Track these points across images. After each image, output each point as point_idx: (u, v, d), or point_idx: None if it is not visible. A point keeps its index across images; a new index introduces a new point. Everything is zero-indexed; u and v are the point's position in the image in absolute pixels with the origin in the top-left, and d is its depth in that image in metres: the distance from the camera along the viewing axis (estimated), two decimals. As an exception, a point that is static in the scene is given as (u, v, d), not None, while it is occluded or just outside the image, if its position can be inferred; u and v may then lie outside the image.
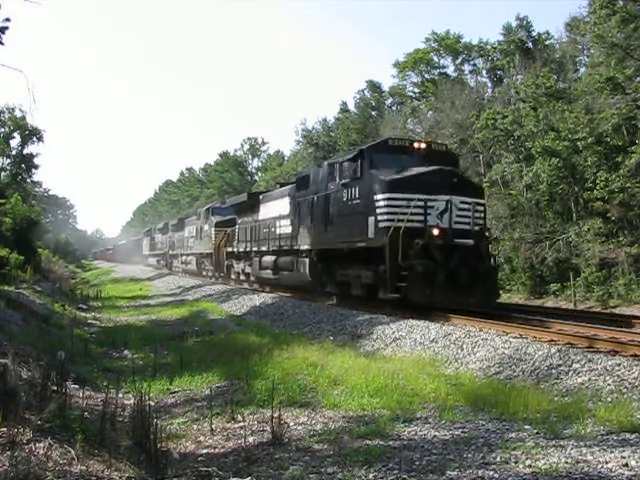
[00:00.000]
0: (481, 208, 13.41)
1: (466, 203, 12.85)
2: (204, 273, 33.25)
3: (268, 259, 20.26)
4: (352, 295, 14.62)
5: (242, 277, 25.52)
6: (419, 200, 12.34)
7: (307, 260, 16.70)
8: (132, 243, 75.20)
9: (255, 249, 22.08)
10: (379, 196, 12.95)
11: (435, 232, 12.21)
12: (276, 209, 20.24)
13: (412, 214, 12.19)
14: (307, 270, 16.61)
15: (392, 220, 12.39)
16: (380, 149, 14.17)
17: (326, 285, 16.18)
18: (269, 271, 20.23)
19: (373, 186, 13.23)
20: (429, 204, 12.48)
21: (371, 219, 13.04)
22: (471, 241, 12.60)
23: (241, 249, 24.30)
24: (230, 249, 26.32)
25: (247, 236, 23.47)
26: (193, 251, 35.33)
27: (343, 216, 14.53)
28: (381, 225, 12.71)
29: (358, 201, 13.83)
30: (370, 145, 14.76)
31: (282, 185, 22.34)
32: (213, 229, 29.74)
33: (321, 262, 16.17)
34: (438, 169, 12.95)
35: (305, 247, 16.96)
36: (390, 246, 12.16)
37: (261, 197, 22.89)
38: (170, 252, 44.52)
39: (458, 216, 12.68)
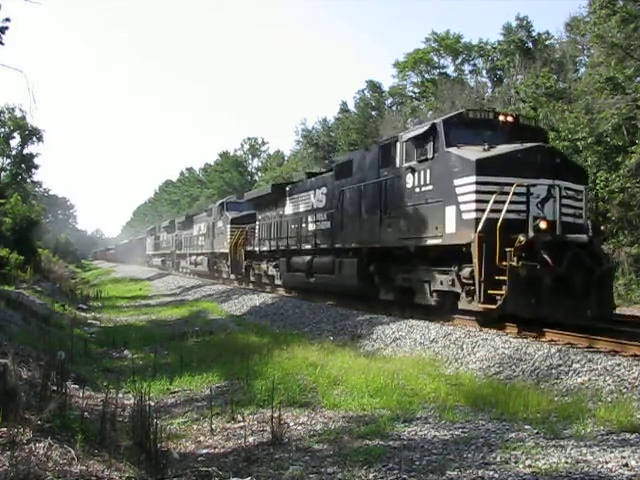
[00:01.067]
0: (584, 197, 11.13)
1: (571, 190, 10.61)
2: (217, 275, 30.58)
3: (299, 260, 17.91)
4: (416, 304, 12.32)
5: (265, 280, 22.65)
6: (519, 185, 10.02)
7: (354, 261, 14.34)
8: (135, 242, 72.30)
9: (283, 248, 19.42)
10: (463, 180, 10.47)
11: (543, 225, 9.78)
12: (308, 202, 17.86)
13: (511, 202, 9.91)
14: (354, 273, 14.24)
15: (482, 210, 9.99)
16: (458, 123, 11.56)
17: (379, 291, 13.71)
18: (301, 274, 17.71)
19: (453, 168, 10.79)
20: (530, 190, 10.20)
21: (450, 209, 10.70)
22: (584, 237, 10.34)
23: (264, 248, 21.62)
24: (250, 248, 23.61)
25: (271, 233, 20.82)
26: (204, 250, 32.54)
27: (405, 207, 12.11)
28: (466, 217, 10.33)
29: (429, 187, 11.39)
30: (445, 118, 11.85)
31: (312, 175, 19.72)
32: (229, 226, 27.12)
33: (373, 263, 13.75)
34: (537, 146, 10.71)
35: (351, 245, 14.59)
36: (481, 243, 9.84)
37: (288, 189, 20.09)
38: (177, 252, 42.03)
39: (564, 205, 10.35)
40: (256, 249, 22.61)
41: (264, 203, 22.45)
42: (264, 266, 22.23)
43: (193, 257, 35.89)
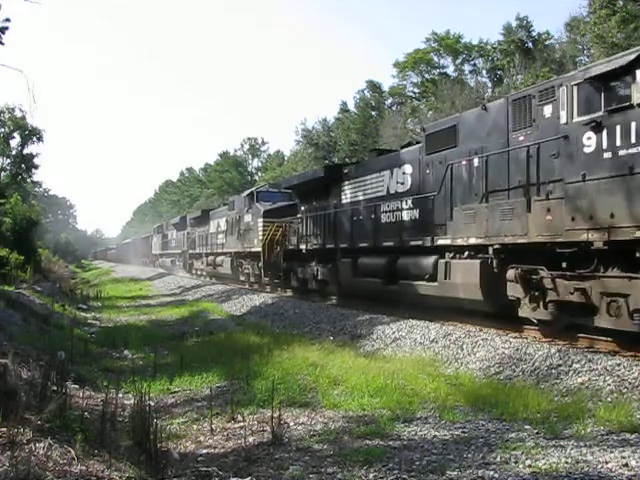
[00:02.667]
0: None
1: None
2: (243, 278, 25.91)
3: (372, 262, 14.07)
4: (595, 327, 8.41)
5: (313, 285, 17.95)
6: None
7: (475, 264, 10.34)
8: (139, 242, 67.21)
9: (344, 246, 15.65)
10: None
11: None
12: (382, 185, 14.19)
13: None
14: (475, 280, 10.23)
15: None
16: None
17: (521, 306, 9.56)
18: (375, 280, 13.73)
19: None
20: None
21: None
22: None
23: (313, 246, 17.69)
24: (291, 246, 19.51)
25: (323, 228, 17.03)
26: (226, 249, 27.77)
27: (580, 182, 8.34)
28: None
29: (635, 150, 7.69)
30: None
31: (382, 153, 15.87)
32: (261, 220, 22.44)
33: (508, 266, 9.75)
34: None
35: (470, 241, 10.50)
36: None
37: (346, 171, 16.42)
38: (190, 251, 37.51)
39: None
40: (302, 247, 18.39)
41: (310, 192, 18.40)
42: (312, 269, 17.77)
43: (211, 257, 31.32)
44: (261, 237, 21.78)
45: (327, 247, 16.74)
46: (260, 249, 21.53)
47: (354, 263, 14.98)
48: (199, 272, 35.69)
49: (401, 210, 13.20)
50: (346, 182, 16.12)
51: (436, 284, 11.42)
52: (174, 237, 44.39)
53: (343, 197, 16.20)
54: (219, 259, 29.35)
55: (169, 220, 52.77)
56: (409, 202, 12.96)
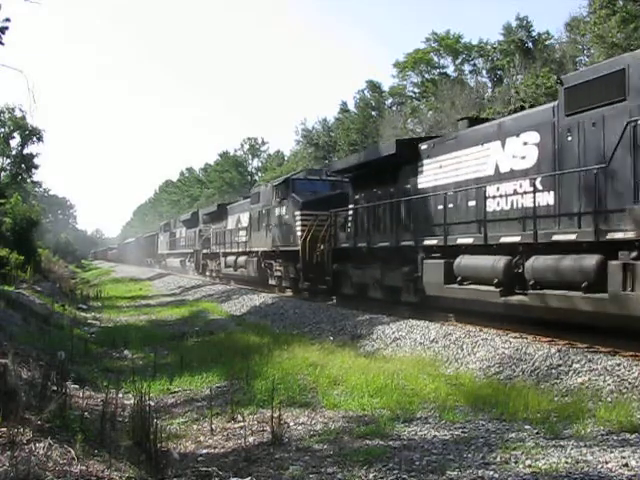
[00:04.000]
0: None
1: None
2: (274, 282, 21.56)
3: (478, 263, 10.64)
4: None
5: (375, 293, 14.49)
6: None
7: None
8: (143, 241, 63.14)
9: (431, 242, 12.11)
10: None
11: None
12: (488, 161, 10.87)
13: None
14: None
15: None
16: None
17: None
18: (488, 288, 10.22)
19: None
20: None
21: None
22: None
23: (379, 243, 14.10)
24: (345, 244, 16.11)
25: (391, 221, 13.83)
26: (250, 248, 23.90)
27: None
28: None
29: None
30: None
31: (475, 122, 12.40)
32: (299, 214, 18.56)
33: None
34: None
35: None
36: None
37: (424, 147, 12.86)
38: (203, 251, 33.68)
39: None
40: (360, 245, 15.06)
41: (373, 173, 14.70)
42: (374, 273, 14.33)
43: (230, 258, 27.18)
44: (299, 234, 18.09)
45: (402, 244, 13.09)
46: (299, 248, 17.88)
47: (447, 266, 11.38)
48: (214, 274, 31.77)
49: (540, 191, 9.57)
50: (425, 161, 12.75)
51: (605, 296, 8.05)
52: (183, 235, 40.84)
53: (423, 180, 12.78)
54: (241, 259, 25.16)
55: (178, 216, 49.01)
56: (543, 183, 9.53)
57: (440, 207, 11.94)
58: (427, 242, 12.28)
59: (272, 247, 20.96)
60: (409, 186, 13.28)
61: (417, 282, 12.56)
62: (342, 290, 16.33)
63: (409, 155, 13.15)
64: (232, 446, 5.77)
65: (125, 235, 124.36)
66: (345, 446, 5.45)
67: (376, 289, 14.48)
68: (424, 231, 12.55)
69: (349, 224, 16.13)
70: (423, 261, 12.31)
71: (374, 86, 53.13)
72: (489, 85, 42.45)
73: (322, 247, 16.98)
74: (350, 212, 16.10)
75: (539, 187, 9.58)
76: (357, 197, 15.84)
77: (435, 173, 12.46)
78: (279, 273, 20.87)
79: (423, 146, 12.98)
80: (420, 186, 12.87)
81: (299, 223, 18.39)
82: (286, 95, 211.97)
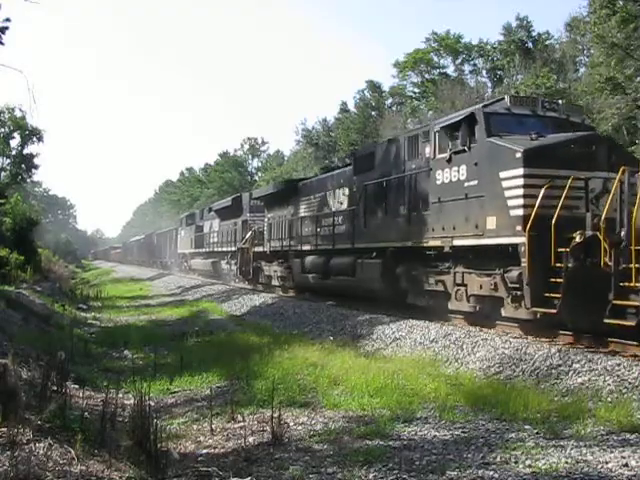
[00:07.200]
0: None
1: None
2: (422, 302, 12.77)
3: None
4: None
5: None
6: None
7: None
8: (157, 238, 52.86)
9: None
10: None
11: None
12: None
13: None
14: None
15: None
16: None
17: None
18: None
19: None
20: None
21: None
22: None
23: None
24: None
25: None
26: (364, 244, 14.60)
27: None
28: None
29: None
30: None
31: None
32: (520, 172, 9.47)
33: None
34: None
35: None
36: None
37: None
38: (255, 249, 23.61)
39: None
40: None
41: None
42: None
43: (312, 259, 17.76)
44: (518, 213, 9.50)
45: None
46: (524, 239, 9.14)
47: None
48: (278, 281, 21.31)
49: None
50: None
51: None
52: (215, 229, 31.98)
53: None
54: (340, 262, 15.84)
55: (207, 205, 39.76)
56: None
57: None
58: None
59: (417, 242, 12.36)
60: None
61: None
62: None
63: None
64: (232, 446, 5.77)
65: (125, 235, 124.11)
66: (345, 446, 5.45)
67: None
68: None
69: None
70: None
71: (374, 86, 53.12)
72: (489, 85, 42.48)
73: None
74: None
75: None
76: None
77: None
78: (442, 287, 12.07)
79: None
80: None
81: (519, 192, 9.59)
82: (286, 95, 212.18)
